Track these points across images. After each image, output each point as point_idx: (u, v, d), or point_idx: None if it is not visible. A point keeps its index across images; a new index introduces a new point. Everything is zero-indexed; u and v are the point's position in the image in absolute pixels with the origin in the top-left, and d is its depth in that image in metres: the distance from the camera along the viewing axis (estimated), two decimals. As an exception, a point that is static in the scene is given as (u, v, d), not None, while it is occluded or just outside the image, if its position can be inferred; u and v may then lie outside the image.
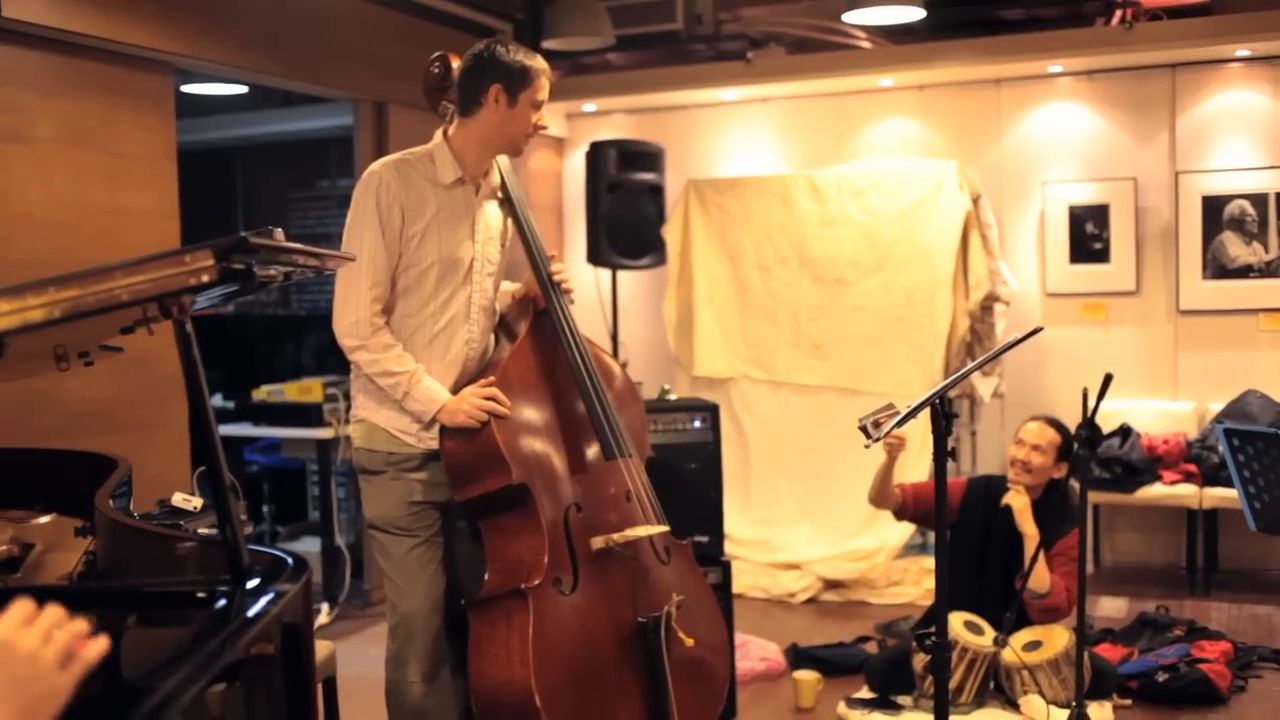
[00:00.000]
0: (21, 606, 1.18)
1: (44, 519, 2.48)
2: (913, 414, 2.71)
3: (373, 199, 3.03)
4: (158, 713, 1.32)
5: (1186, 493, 5.85)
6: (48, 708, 1.16)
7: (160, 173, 4.77)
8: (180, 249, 1.69)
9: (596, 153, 6.27)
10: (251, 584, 1.79)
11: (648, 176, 6.36)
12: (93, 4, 4.32)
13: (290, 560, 1.89)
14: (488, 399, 3.03)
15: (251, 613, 1.69)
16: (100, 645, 1.21)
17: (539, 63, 3.12)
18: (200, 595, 1.78)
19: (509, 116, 3.09)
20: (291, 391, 5.86)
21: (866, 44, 6.54)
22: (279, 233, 1.82)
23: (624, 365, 3.60)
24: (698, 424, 4.38)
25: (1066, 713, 3.77)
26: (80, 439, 3.95)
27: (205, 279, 1.66)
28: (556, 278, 3.25)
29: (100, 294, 1.58)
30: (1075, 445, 3.41)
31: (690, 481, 4.26)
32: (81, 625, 1.20)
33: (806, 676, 4.42)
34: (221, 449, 1.88)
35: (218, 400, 6.58)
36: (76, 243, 4.37)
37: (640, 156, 6.37)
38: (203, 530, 2.48)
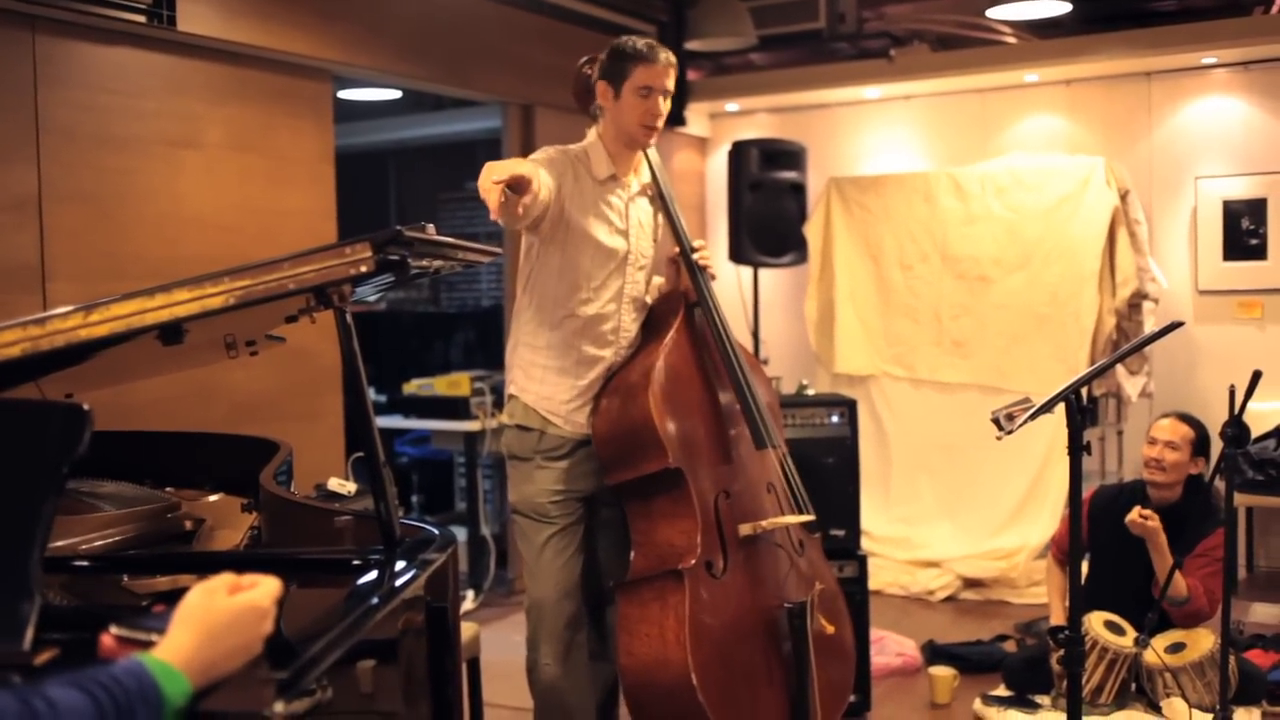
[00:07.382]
0: (228, 576, 1.36)
1: (213, 497, 2.65)
2: (1047, 407, 2.71)
3: (544, 155, 3.14)
4: (319, 659, 1.43)
5: (1345, 497, 5.65)
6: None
7: (319, 175, 4.99)
8: (341, 242, 1.83)
9: (739, 152, 6.32)
10: (401, 552, 1.92)
11: (789, 175, 6.39)
12: (257, 16, 4.55)
13: (437, 533, 2.01)
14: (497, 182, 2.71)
15: (400, 581, 1.81)
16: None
17: (638, 49, 3.14)
18: (356, 563, 1.91)
19: (617, 109, 3.18)
20: (440, 385, 6.06)
21: (1011, 39, 6.47)
22: (430, 228, 1.94)
23: (764, 363, 3.66)
24: (835, 419, 4.40)
25: (1210, 717, 3.71)
26: (244, 428, 4.16)
27: (364, 269, 1.80)
28: (697, 256, 3.33)
29: (270, 283, 1.73)
30: (1222, 443, 3.34)
31: (827, 476, 4.28)
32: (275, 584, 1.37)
33: (942, 672, 4.42)
34: (376, 429, 2.01)
35: (370, 393, 6.83)
36: (242, 242, 4.61)
37: (782, 155, 6.39)
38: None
